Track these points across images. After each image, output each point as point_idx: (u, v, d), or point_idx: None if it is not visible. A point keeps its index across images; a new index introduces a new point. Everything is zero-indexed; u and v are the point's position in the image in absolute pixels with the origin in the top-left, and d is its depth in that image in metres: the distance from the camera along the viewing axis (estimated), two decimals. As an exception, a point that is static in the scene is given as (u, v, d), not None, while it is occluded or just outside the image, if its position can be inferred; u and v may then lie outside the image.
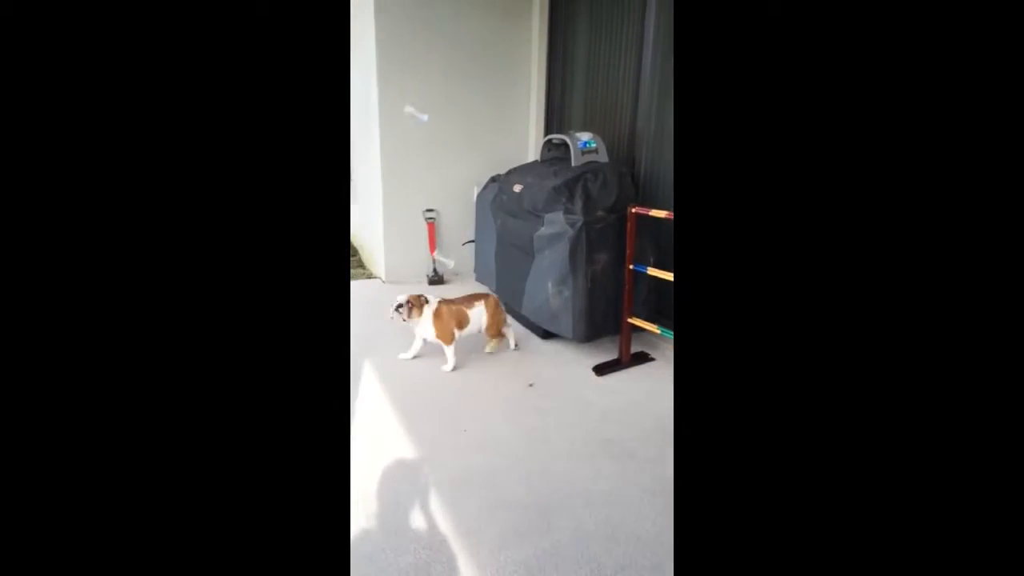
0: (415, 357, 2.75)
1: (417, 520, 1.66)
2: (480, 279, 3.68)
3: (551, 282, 2.73)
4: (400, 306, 2.60)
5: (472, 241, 3.85)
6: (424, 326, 2.64)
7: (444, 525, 1.63)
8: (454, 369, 2.65)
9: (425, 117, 3.61)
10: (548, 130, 4.00)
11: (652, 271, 2.54)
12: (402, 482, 1.83)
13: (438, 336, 2.64)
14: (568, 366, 2.72)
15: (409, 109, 3.61)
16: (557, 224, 2.67)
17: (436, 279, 4.05)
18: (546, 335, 3.01)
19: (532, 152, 4.09)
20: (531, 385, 2.52)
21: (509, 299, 3.25)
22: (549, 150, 3.31)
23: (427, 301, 2.63)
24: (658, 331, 2.54)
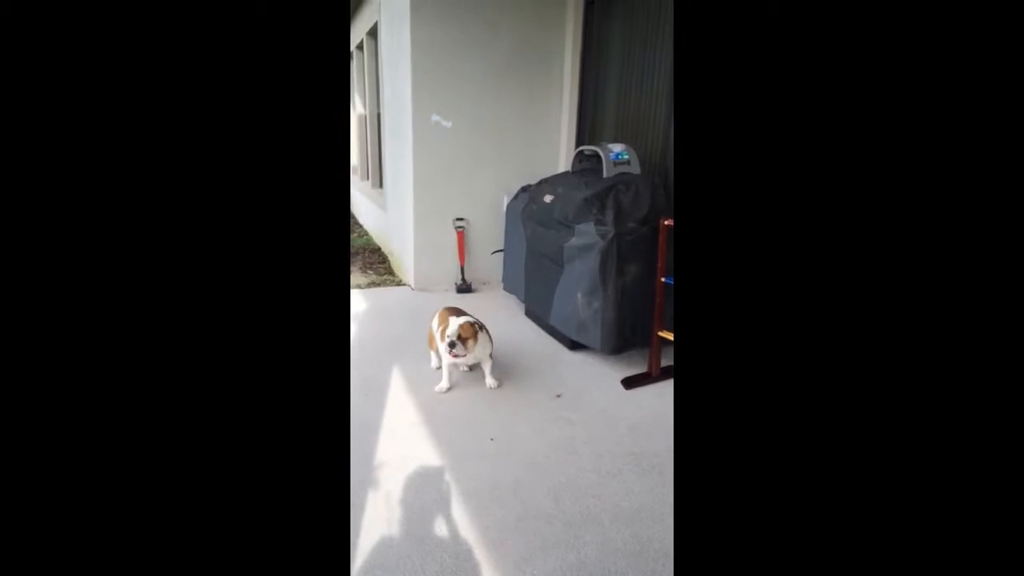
0: (450, 389, 2.55)
1: (442, 528, 1.65)
2: (508, 288, 3.69)
3: (580, 293, 2.72)
4: (453, 344, 2.33)
5: (501, 251, 3.86)
6: (480, 348, 2.45)
7: (470, 534, 1.63)
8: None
9: (449, 124, 3.77)
10: (580, 141, 4.00)
11: (684, 284, 2.50)
12: (428, 490, 1.83)
13: (491, 354, 2.54)
14: (596, 378, 2.70)
15: (435, 118, 3.76)
16: (588, 235, 2.66)
17: (464, 288, 4.07)
18: (574, 346, 2.99)
19: (563, 163, 4.09)
20: (558, 396, 2.50)
21: (537, 309, 3.24)
22: (581, 161, 3.31)
23: (482, 327, 2.45)
24: (689, 345, 2.50)
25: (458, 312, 2.60)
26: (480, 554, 1.55)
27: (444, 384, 2.52)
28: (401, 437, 2.15)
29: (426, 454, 2.04)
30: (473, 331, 2.38)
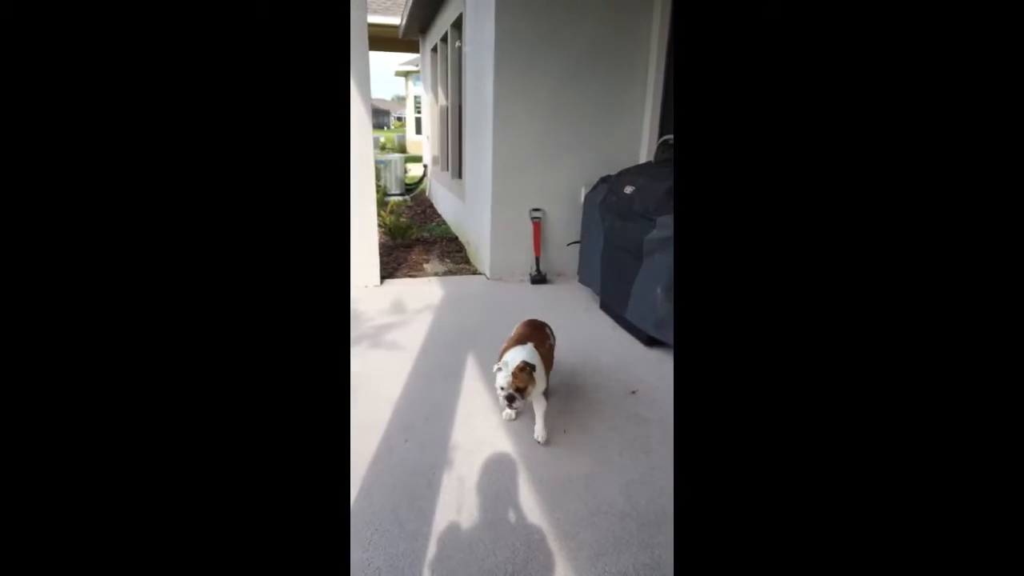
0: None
1: (514, 515, 1.66)
2: (583, 281, 3.65)
3: (660, 288, 2.64)
4: (512, 399, 1.95)
5: (577, 242, 3.82)
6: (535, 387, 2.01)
7: (542, 524, 1.63)
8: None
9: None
10: (663, 130, 3.87)
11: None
12: (501, 477, 1.85)
13: (544, 391, 2.06)
14: (672, 376, 2.61)
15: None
16: (670, 228, 2.57)
17: (539, 278, 4.06)
18: (650, 342, 2.91)
19: (644, 153, 3.98)
20: (633, 392, 2.45)
21: (613, 303, 3.18)
22: (664, 151, 3.20)
23: (533, 368, 1.97)
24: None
25: (539, 331, 2.25)
26: (553, 544, 1.55)
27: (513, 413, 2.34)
28: (475, 422, 2.18)
29: (499, 441, 2.06)
30: (530, 377, 1.94)
